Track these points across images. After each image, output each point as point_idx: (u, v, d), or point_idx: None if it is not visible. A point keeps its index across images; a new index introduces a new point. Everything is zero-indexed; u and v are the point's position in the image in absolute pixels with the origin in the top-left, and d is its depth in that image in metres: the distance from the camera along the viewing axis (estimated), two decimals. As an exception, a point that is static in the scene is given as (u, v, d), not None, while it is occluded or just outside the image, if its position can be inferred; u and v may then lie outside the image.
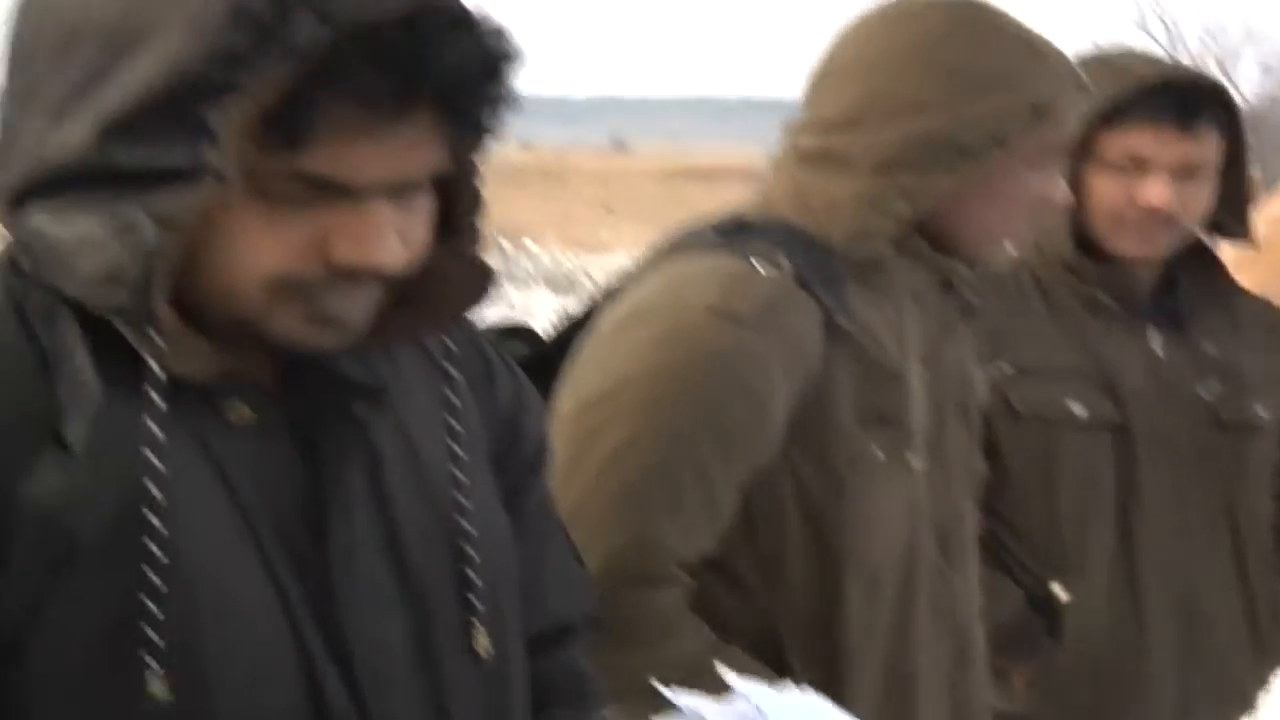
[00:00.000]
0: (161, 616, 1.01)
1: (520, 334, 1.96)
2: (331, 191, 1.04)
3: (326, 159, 1.01)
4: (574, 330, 1.85)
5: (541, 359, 1.81)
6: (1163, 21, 24.95)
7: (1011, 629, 2.21)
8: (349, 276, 1.06)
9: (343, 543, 1.12)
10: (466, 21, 1.03)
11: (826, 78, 1.84)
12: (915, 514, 1.82)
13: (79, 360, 1.05)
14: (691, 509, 1.68)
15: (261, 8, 0.97)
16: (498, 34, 1.05)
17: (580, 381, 1.73)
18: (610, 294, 1.84)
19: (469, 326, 1.27)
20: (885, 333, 1.79)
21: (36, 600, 1.01)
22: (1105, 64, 2.32)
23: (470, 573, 1.19)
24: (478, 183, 1.17)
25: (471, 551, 1.19)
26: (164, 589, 1.02)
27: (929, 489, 1.85)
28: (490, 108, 1.07)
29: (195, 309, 1.07)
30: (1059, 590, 2.29)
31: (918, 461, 1.80)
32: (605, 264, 14.56)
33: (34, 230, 1.06)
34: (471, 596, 1.18)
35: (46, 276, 1.06)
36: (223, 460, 1.08)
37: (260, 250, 1.04)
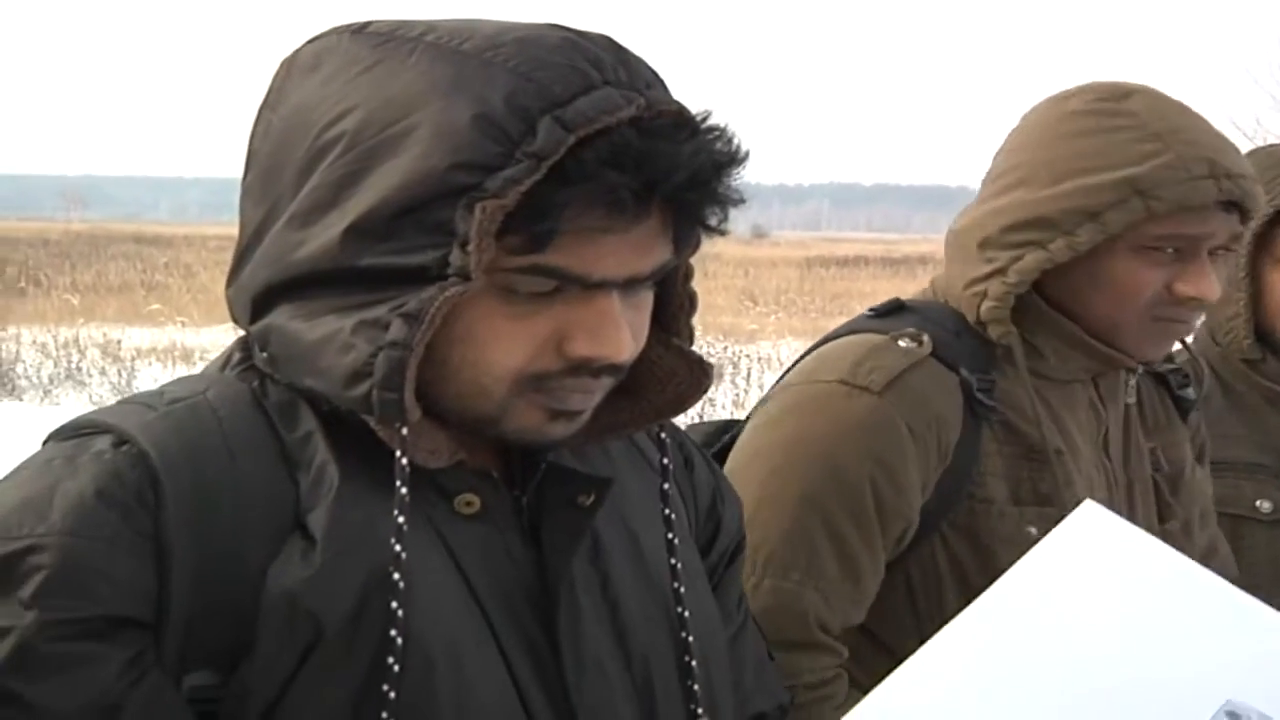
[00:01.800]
0: (400, 699, 1.04)
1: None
2: (569, 285, 1.07)
3: (567, 254, 1.05)
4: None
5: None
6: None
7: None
8: (585, 370, 1.09)
9: (571, 628, 1.15)
10: (689, 122, 1.07)
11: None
12: None
13: (319, 453, 1.10)
14: (830, 574, 1.69)
15: (504, 116, 1.01)
16: (721, 133, 1.08)
17: (729, 457, 1.78)
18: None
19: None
20: (1043, 415, 1.78)
21: (284, 682, 1.03)
22: (1277, 158, 2.32)
23: (691, 661, 1.22)
24: (691, 283, 1.21)
25: (691, 640, 1.22)
26: (403, 673, 1.05)
27: None
28: (717, 206, 1.09)
29: (433, 403, 1.10)
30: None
31: None
32: (751, 353, 14.64)
33: (278, 329, 1.11)
34: (694, 685, 1.22)
35: (289, 374, 1.11)
36: (454, 546, 1.12)
37: (504, 346, 1.08)
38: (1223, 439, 2.29)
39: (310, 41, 1.15)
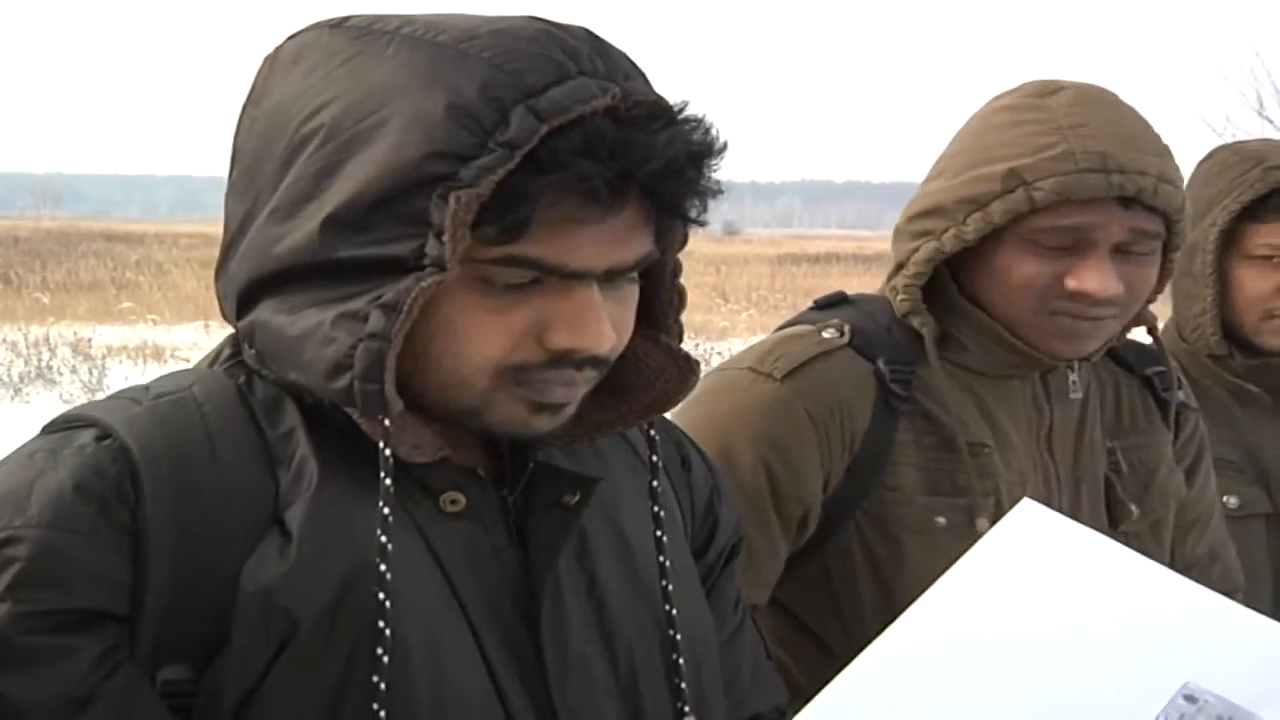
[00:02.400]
0: (386, 690, 1.05)
1: None
2: (547, 275, 1.07)
3: (542, 245, 1.05)
4: None
5: None
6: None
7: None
8: (566, 362, 1.09)
9: (554, 625, 1.15)
10: (665, 112, 1.07)
11: None
12: None
13: (300, 449, 1.10)
14: None
15: (477, 105, 1.02)
16: (699, 124, 1.08)
17: None
18: None
19: (662, 418, 1.29)
20: (969, 408, 1.81)
21: (257, 677, 1.04)
22: (1245, 156, 2.32)
23: (679, 660, 1.22)
24: (680, 279, 1.22)
25: (679, 639, 1.22)
26: (388, 664, 1.05)
27: None
28: (695, 197, 1.10)
29: (416, 397, 1.11)
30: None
31: (985, 525, 1.75)
32: (723, 350, 14.66)
33: (262, 324, 1.11)
34: (681, 684, 1.22)
35: (274, 368, 1.12)
36: (435, 543, 1.12)
37: (483, 339, 1.08)
38: (1190, 435, 2.31)
39: (291, 37, 1.16)
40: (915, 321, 1.79)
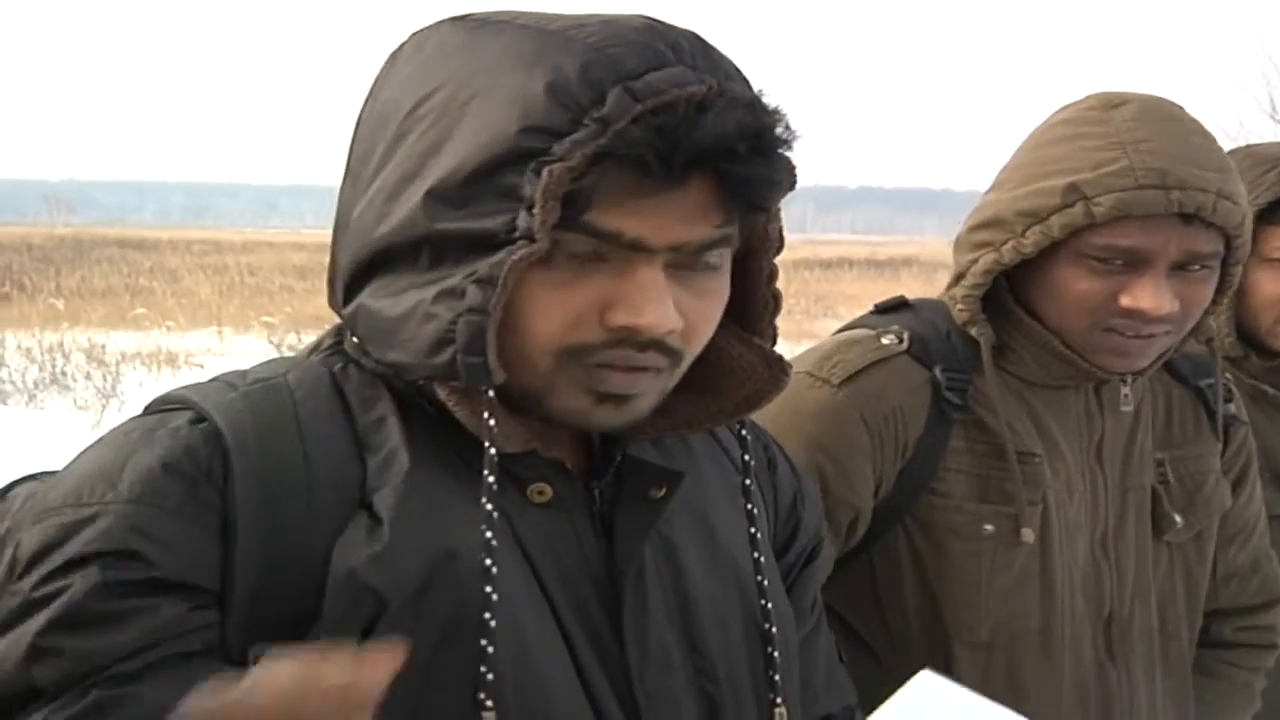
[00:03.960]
0: (495, 681, 1.06)
1: None
2: (606, 243, 1.07)
3: (602, 214, 1.06)
4: None
5: None
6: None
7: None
8: (627, 343, 1.09)
9: (636, 616, 1.17)
10: (746, 101, 1.07)
11: None
12: (1043, 592, 1.81)
13: (393, 437, 1.13)
14: None
15: (577, 85, 1.04)
16: (774, 114, 1.08)
17: None
18: None
19: (751, 422, 1.31)
20: (1022, 416, 1.82)
21: None
22: (1259, 160, 2.32)
23: (774, 653, 1.24)
24: (775, 285, 1.24)
25: (774, 631, 1.24)
26: (490, 649, 1.06)
27: (1094, 580, 1.85)
28: (761, 184, 1.09)
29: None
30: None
31: (1030, 535, 1.79)
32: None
33: (365, 309, 1.14)
34: (775, 677, 1.23)
35: (375, 351, 1.14)
36: (521, 532, 1.14)
37: (546, 314, 1.08)
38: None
39: (415, 33, 1.19)
40: (973, 331, 1.80)
